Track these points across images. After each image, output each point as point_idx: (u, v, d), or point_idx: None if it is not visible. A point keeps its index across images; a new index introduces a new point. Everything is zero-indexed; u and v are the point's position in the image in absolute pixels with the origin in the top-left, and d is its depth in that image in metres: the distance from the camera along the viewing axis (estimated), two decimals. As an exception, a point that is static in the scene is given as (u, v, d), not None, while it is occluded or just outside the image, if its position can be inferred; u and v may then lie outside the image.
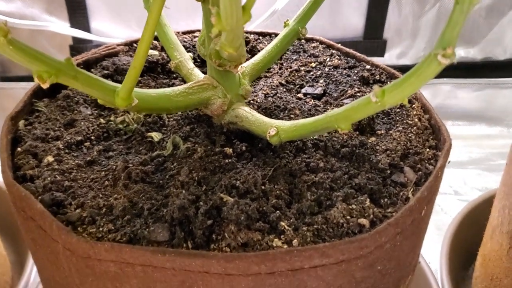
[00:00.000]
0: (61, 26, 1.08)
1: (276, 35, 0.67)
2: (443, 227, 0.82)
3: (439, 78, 1.07)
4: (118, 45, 0.61)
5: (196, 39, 0.64)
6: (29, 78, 1.14)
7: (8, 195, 0.81)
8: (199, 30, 0.67)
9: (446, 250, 0.77)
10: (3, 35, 0.32)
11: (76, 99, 0.52)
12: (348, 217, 0.38)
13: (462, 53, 1.20)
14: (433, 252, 0.81)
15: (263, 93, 0.55)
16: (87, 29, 1.10)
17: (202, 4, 0.44)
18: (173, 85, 0.56)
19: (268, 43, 0.65)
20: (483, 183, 1.07)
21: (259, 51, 0.63)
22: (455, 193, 1.05)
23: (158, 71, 0.58)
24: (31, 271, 0.74)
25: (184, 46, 0.58)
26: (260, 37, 0.66)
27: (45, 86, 0.35)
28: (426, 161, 0.45)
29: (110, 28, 1.11)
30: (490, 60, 1.21)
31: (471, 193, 1.04)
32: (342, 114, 0.37)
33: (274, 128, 0.43)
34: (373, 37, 1.14)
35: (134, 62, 0.38)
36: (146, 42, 0.36)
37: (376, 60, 0.60)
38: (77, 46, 1.12)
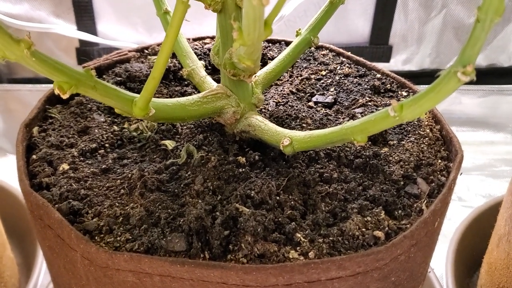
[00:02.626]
0: (68, 29, 1.09)
1: (286, 42, 0.67)
2: (447, 234, 0.82)
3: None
4: (129, 51, 0.62)
5: (207, 46, 0.65)
6: (36, 80, 1.14)
7: (17, 199, 0.81)
8: (209, 37, 0.67)
9: (452, 257, 0.77)
10: (27, 47, 0.32)
11: (89, 106, 0.53)
12: (363, 229, 0.38)
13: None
14: (437, 258, 0.82)
15: (274, 101, 0.55)
16: (93, 32, 1.10)
17: (218, 14, 0.44)
18: (185, 92, 0.56)
19: (278, 50, 0.66)
20: (487, 190, 1.08)
21: (269, 58, 0.63)
22: (459, 199, 1.05)
23: (170, 78, 0.58)
24: (39, 275, 0.75)
25: (195, 53, 0.59)
26: (270, 44, 0.67)
27: (65, 96, 0.36)
28: (438, 173, 0.45)
29: (116, 31, 1.12)
30: (494, 66, 1.22)
31: (475, 199, 1.05)
32: (359, 127, 0.37)
33: (288, 138, 0.43)
34: (379, 43, 1.14)
35: (153, 73, 0.38)
36: (166, 54, 0.37)
37: (381, 66, 0.60)
38: (84, 48, 1.12)
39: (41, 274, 0.76)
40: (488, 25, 0.29)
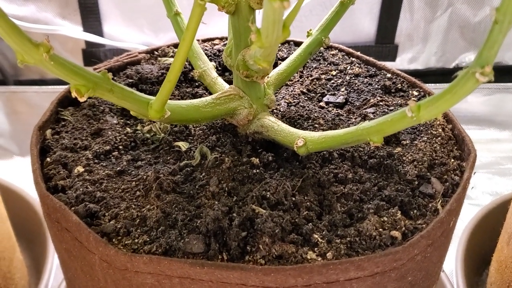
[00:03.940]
0: (74, 30, 1.09)
1: (295, 42, 0.67)
2: (456, 232, 0.82)
3: (449, 83, 1.07)
4: (139, 53, 0.62)
5: (216, 47, 0.65)
6: (42, 82, 1.14)
7: (26, 202, 0.81)
8: (218, 38, 0.67)
9: (461, 255, 0.77)
10: (46, 51, 0.33)
11: (101, 108, 0.53)
12: (380, 229, 0.38)
13: (473, 58, 1.21)
14: (447, 256, 0.81)
15: (285, 102, 0.55)
16: (99, 33, 1.10)
17: (230, 16, 0.45)
18: (196, 93, 0.56)
19: (287, 51, 0.66)
20: (494, 188, 1.08)
21: (279, 59, 0.64)
22: (466, 197, 1.05)
23: (181, 79, 0.58)
24: (49, 277, 0.75)
25: (205, 54, 0.59)
26: (279, 45, 0.67)
27: (82, 99, 0.36)
28: (451, 172, 0.45)
29: (122, 32, 1.12)
30: (500, 65, 1.22)
31: (481, 197, 1.05)
32: (375, 127, 0.37)
33: (302, 139, 0.43)
34: (384, 42, 1.14)
35: (168, 76, 0.38)
36: (182, 57, 0.37)
37: (388, 65, 0.60)
38: (90, 50, 1.12)
39: (51, 276, 0.76)
40: (506, 26, 0.29)
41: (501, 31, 0.30)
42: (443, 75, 1.20)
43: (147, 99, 0.40)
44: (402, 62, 1.19)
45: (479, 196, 1.06)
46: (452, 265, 0.78)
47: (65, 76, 0.35)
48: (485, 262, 0.79)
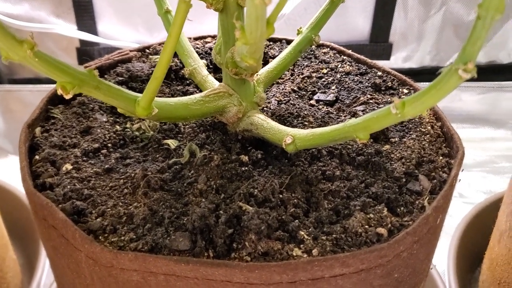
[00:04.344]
0: (68, 29, 1.09)
1: (287, 40, 0.67)
2: (448, 230, 0.82)
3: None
4: (130, 51, 0.62)
5: (208, 45, 0.65)
6: (36, 81, 1.14)
7: (19, 200, 0.81)
8: (210, 36, 0.67)
9: (454, 253, 0.77)
10: (29, 48, 0.33)
11: (91, 105, 0.53)
12: (366, 226, 0.38)
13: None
14: (439, 254, 0.82)
15: (276, 100, 0.55)
16: (94, 31, 1.10)
17: (219, 14, 0.45)
18: (187, 91, 0.56)
19: (279, 49, 0.66)
20: (488, 186, 1.08)
21: (270, 57, 0.64)
22: (460, 195, 1.06)
23: (172, 77, 0.58)
24: (42, 275, 0.75)
25: (196, 52, 0.59)
26: (271, 43, 0.67)
27: (68, 97, 0.36)
28: (440, 169, 0.45)
29: (117, 31, 1.12)
30: (494, 63, 1.22)
31: (476, 195, 1.05)
32: (361, 124, 0.37)
33: (290, 136, 0.43)
34: (379, 41, 1.15)
35: (155, 73, 0.38)
36: (168, 54, 0.37)
37: (382, 63, 0.61)
38: (84, 48, 1.12)
39: (44, 274, 0.76)
40: (488, 22, 0.29)
41: (484, 26, 0.30)
42: (438, 74, 1.20)
43: (135, 96, 0.40)
44: (397, 60, 1.19)
45: (473, 194, 1.06)
46: (445, 263, 0.78)
47: (50, 73, 0.35)
48: (478, 259, 0.79)
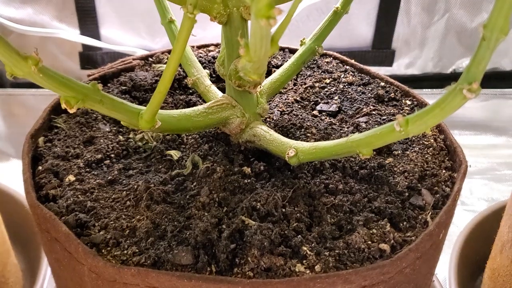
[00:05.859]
0: (71, 33, 1.09)
1: (290, 49, 0.67)
2: (449, 238, 0.82)
3: (445, 88, 1.08)
4: (134, 59, 0.62)
5: (211, 53, 0.65)
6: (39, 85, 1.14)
7: (21, 205, 0.81)
8: (213, 44, 0.67)
9: (455, 262, 0.77)
10: (34, 64, 0.33)
11: (94, 115, 0.53)
12: (369, 242, 0.38)
13: (469, 63, 1.21)
14: (441, 262, 0.82)
15: (278, 110, 0.55)
16: (96, 36, 1.10)
17: (223, 26, 0.45)
18: (189, 101, 0.56)
19: (282, 58, 0.66)
20: (490, 194, 1.08)
21: (273, 66, 0.64)
22: (462, 203, 1.05)
23: (175, 86, 0.59)
24: (44, 281, 0.75)
25: (199, 61, 0.59)
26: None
27: (72, 111, 0.36)
28: (442, 183, 0.45)
29: (119, 35, 1.12)
30: (496, 70, 1.22)
31: (477, 203, 1.05)
32: (364, 140, 0.37)
33: (293, 149, 0.43)
34: (381, 47, 1.14)
35: (159, 87, 0.38)
36: (173, 68, 0.37)
37: (384, 70, 0.60)
38: (87, 53, 1.12)
39: (46, 280, 0.76)
40: (493, 43, 0.30)
41: (489, 47, 0.30)
42: (440, 80, 1.20)
43: (138, 110, 0.40)
44: (399, 67, 1.19)
45: (474, 202, 1.05)
46: (446, 271, 0.78)
47: (55, 88, 0.35)
48: (480, 268, 0.79)
